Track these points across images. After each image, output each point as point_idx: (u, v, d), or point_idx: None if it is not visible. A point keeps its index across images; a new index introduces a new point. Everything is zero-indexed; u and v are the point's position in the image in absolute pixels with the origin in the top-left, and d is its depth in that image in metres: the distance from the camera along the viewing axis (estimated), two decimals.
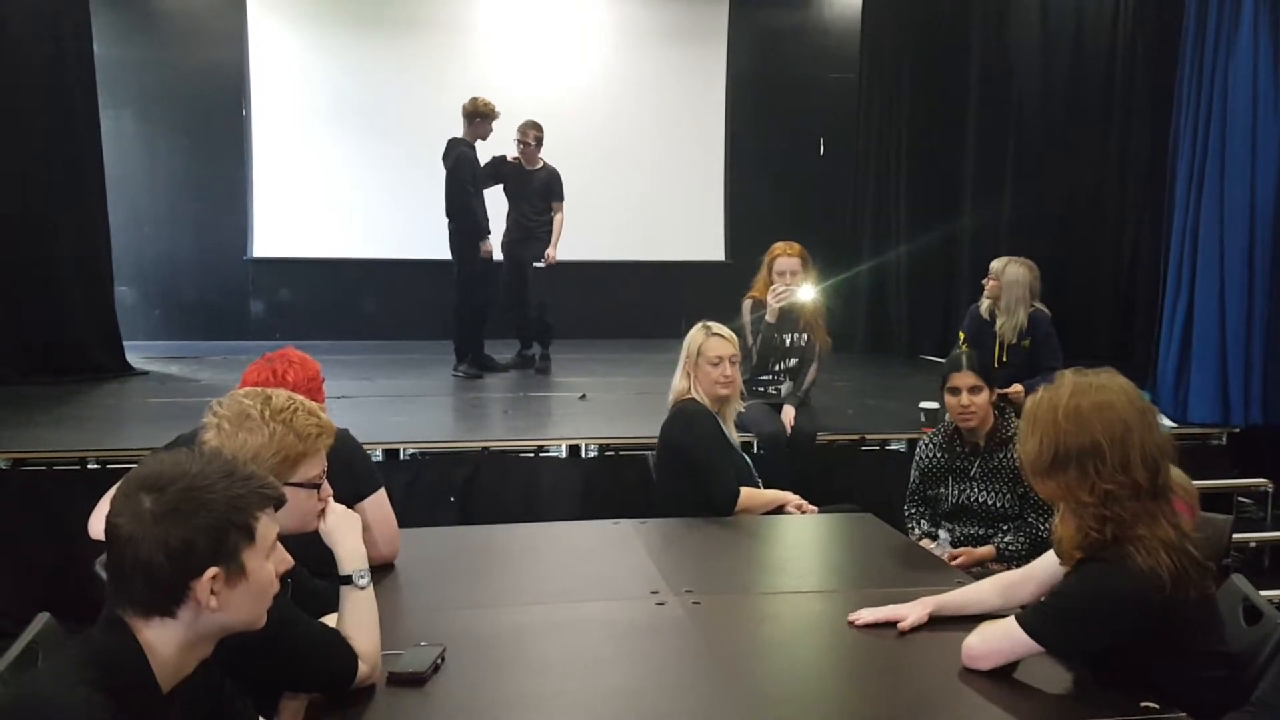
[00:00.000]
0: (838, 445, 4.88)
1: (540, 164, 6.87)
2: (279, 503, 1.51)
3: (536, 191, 6.87)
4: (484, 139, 6.71)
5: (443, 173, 6.73)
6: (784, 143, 9.39)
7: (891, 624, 2.24)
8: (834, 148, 9.33)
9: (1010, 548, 3.39)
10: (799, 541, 3.24)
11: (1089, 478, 1.94)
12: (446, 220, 6.71)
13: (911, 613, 2.24)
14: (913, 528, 3.64)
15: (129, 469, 2.55)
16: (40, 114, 6.42)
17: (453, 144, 6.65)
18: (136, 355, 7.14)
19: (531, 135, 6.75)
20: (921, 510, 3.68)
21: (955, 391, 3.48)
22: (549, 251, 6.77)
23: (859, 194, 8.76)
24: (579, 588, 2.64)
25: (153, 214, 8.70)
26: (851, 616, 2.27)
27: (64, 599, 2.69)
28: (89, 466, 4.36)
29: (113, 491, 2.42)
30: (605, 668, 2.16)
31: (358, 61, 9.05)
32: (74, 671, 1.32)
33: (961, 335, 5.19)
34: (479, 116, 6.61)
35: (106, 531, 1.39)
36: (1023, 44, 7.94)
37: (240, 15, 8.84)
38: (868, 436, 4.95)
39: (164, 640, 1.39)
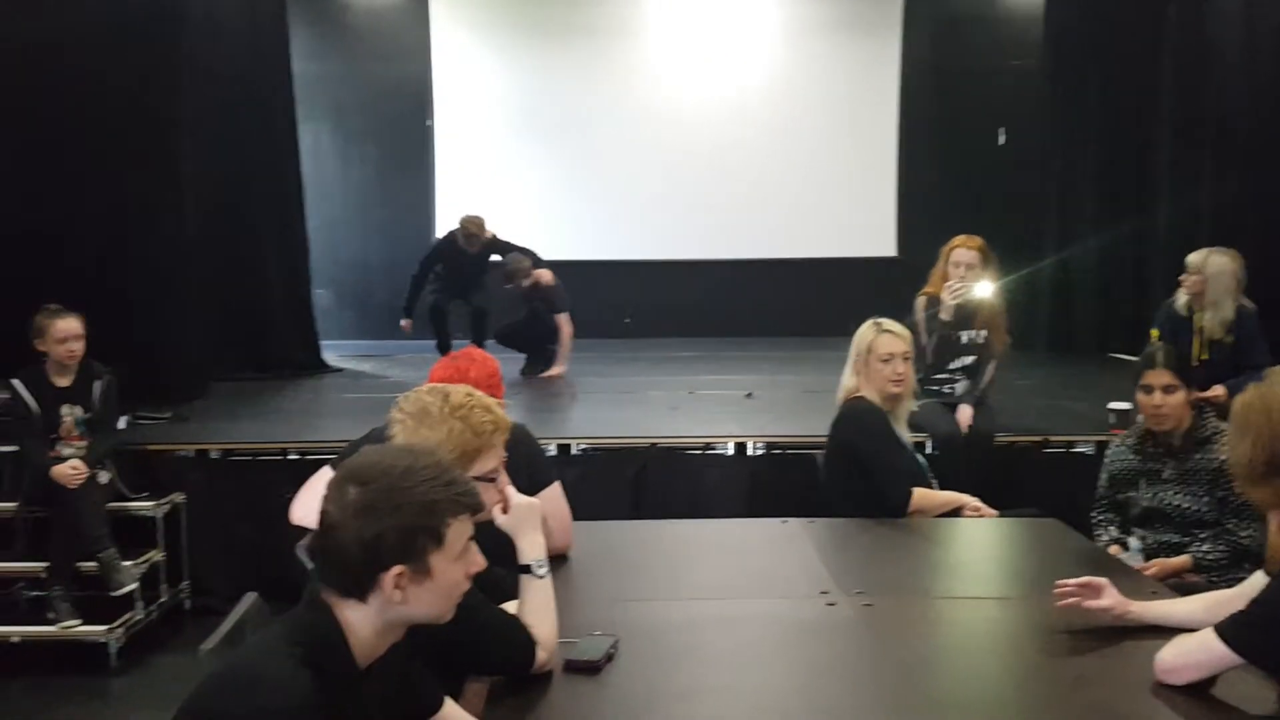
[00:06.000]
0: (1018, 447, 4.69)
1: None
2: (475, 510, 1.55)
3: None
4: None
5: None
6: (961, 133, 9.08)
7: (1081, 632, 2.16)
8: (1014, 137, 8.96)
9: (1208, 557, 3.17)
10: (977, 545, 3.15)
11: None
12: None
13: (1109, 598, 2.17)
14: (1100, 534, 3.46)
15: (326, 460, 2.73)
16: (245, 128, 6.92)
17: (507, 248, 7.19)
18: (332, 354, 7.60)
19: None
20: (1111, 516, 3.49)
21: (1148, 390, 3.29)
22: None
23: (1042, 185, 8.39)
24: (748, 585, 2.65)
25: (345, 220, 9.22)
26: (1058, 583, 2.24)
27: (267, 580, 2.89)
28: (289, 457, 4.67)
29: (314, 479, 2.60)
30: (775, 665, 2.16)
31: (533, 70, 9.33)
32: (282, 646, 1.42)
33: (1155, 332, 4.89)
34: None
35: (319, 514, 1.49)
36: (1224, 23, 7.39)
37: (425, 29, 9.27)
38: (1051, 438, 4.75)
39: (359, 622, 1.47)
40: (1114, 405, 4.54)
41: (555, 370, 6.96)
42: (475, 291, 7.31)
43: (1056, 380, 6.55)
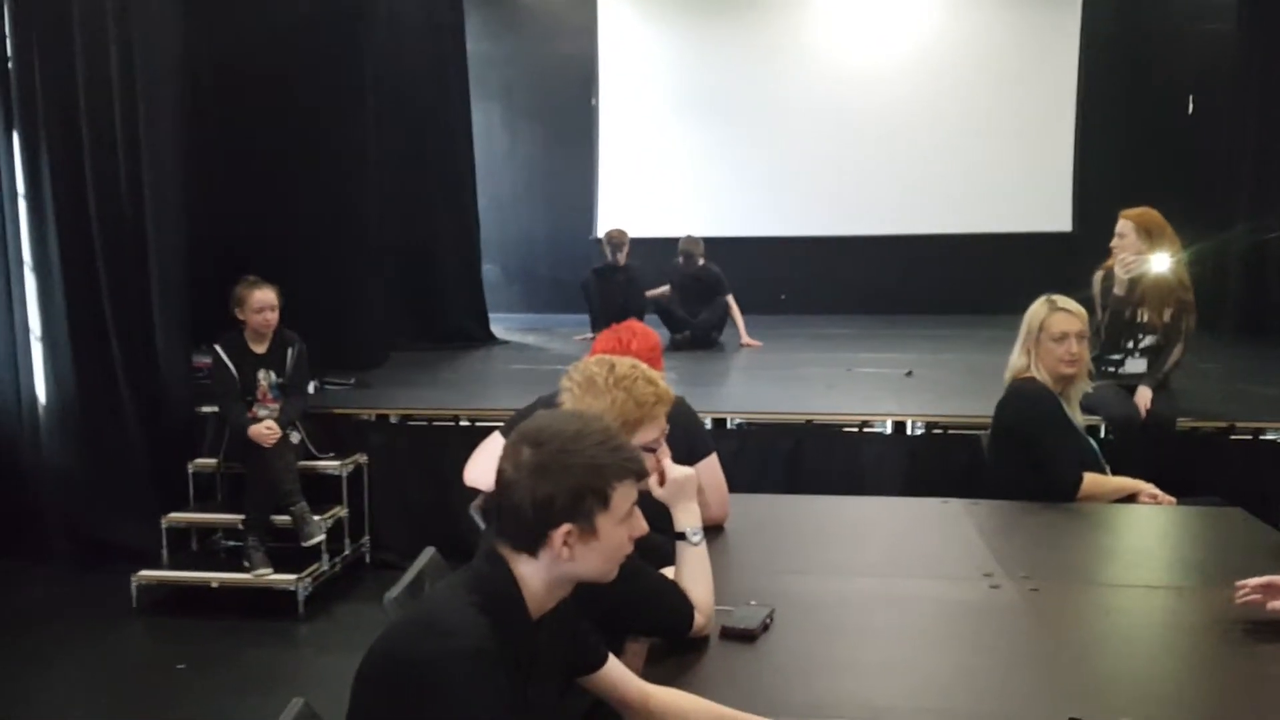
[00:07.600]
0: (1202, 433, 4.45)
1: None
2: (640, 475, 1.62)
3: None
4: None
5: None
6: (1145, 102, 8.58)
7: (1265, 625, 2.07)
8: (1204, 106, 8.40)
9: None
10: (1152, 533, 3.02)
11: None
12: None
13: None
14: None
15: (495, 426, 2.86)
16: (423, 110, 7.20)
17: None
18: (499, 326, 7.88)
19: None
20: None
21: None
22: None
23: (1234, 157, 7.83)
24: (907, 563, 2.63)
25: (513, 198, 9.50)
26: (1238, 584, 2.16)
27: (440, 536, 3.06)
28: (461, 423, 4.89)
29: (485, 444, 2.74)
30: (934, 644, 2.15)
31: (695, 46, 9.37)
32: (462, 595, 1.52)
33: None
34: None
35: (496, 473, 1.58)
36: None
37: (592, 9, 9.43)
38: (1238, 424, 4.48)
39: (531, 575, 1.57)
40: None
41: (755, 341, 7.12)
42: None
43: (1246, 363, 6.17)
